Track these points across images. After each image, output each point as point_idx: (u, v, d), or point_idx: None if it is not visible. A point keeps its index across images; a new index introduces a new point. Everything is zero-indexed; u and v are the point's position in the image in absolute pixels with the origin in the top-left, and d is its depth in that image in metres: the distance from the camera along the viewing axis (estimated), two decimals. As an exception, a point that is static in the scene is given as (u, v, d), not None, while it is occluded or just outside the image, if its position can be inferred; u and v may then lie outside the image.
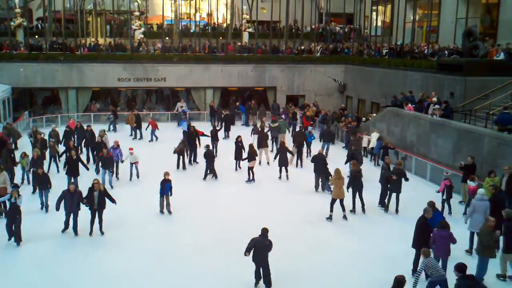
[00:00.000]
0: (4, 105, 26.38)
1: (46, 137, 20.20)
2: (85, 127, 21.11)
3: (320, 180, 16.89)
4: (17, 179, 17.25)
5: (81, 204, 12.90)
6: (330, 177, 15.63)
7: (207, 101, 30.93)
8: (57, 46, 30.11)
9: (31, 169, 16.46)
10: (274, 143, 22.75)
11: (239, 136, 19.23)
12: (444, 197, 14.86)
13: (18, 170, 17.35)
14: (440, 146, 18.85)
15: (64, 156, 18.15)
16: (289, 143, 20.91)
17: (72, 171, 16.06)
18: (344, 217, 14.45)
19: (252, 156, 18.20)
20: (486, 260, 10.58)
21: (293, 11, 34.78)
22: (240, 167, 19.35)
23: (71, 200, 12.67)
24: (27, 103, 31.61)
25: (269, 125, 23.18)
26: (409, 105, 21.65)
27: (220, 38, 34.30)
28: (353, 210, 15.05)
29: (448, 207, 14.83)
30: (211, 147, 19.27)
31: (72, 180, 15.47)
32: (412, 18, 27.88)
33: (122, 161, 17.98)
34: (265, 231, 10.29)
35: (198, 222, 14.18)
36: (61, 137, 20.79)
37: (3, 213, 13.50)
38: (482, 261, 10.58)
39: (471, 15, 23.82)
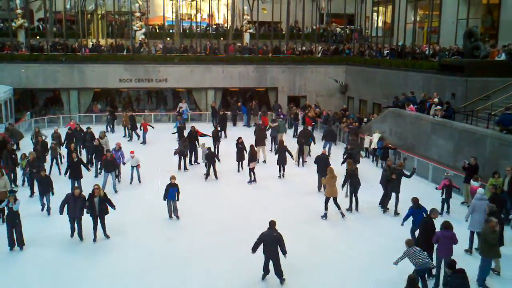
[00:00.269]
0: (6, 106, 26.41)
1: (49, 139, 20.03)
2: (84, 129, 20.89)
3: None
4: (19, 180, 17.36)
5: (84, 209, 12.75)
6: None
7: (208, 102, 30.97)
8: (60, 47, 30.15)
9: (27, 170, 16.37)
10: (273, 142, 22.88)
11: (239, 138, 19.20)
12: (444, 196, 14.95)
13: (19, 171, 17.38)
14: (441, 146, 18.86)
15: (66, 159, 18.01)
16: (289, 143, 20.85)
17: (75, 174, 15.89)
18: (342, 214, 14.59)
19: (252, 157, 18.23)
20: (490, 261, 10.61)
21: (294, 12, 34.81)
22: (242, 168, 19.35)
23: (74, 205, 12.51)
24: (29, 104, 31.62)
25: (269, 124, 23.41)
26: (411, 105, 21.67)
27: (221, 38, 34.35)
28: (349, 209, 15.18)
29: (447, 206, 14.89)
30: (212, 148, 19.24)
31: (76, 185, 15.26)
32: (413, 18, 27.90)
33: (124, 163, 17.86)
34: (272, 223, 10.58)
35: (200, 224, 14.13)
36: (63, 139, 20.63)
37: (2, 219, 13.41)
38: (485, 262, 10.59)
39: (472, 16, 23.86)
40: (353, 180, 15.12)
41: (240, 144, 19.09)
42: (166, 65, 30.33)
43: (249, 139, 20.59)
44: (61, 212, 12.71)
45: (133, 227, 13.81)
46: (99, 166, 18.31)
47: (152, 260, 11.82)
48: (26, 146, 21.07)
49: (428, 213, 11.29)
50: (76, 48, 30.21)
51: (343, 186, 15.26)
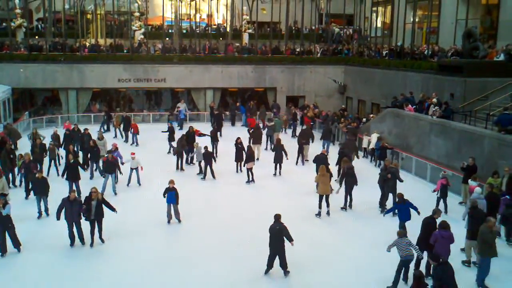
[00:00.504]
0: (5, 106, 26.40)
1: (46, 141, 19.61)
2: (82, 130, 20.68)
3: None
4: (17, 181, 17.31)
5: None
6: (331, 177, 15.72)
7: (207, 102, 30.97)
8: (59, 47, 30.12)
9: (22, 171, 16.26)
10: (269, 141, 22.87)
11: (238, 138, 19.17)
12: (438, 195, 14.97)
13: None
14: (440, 147, 18.86)
15: (64, 160, 17.87)
16: (287, 143, 20.84)
17: (72, 176, 15.71)
18: (327, 212, 14.73)
19: (250, 157, 18.23)
20: (489, 260, 10.58)
21: (293, 12, 34.83)
22: (241, 170, 19.22)
23: (70, 209, 12.11)
24: (28, 103, 31.62)
25: (266, 123, 23.51)
26: (409, 106, 21.68)
27: (220, 39, 34.34)
28: (344, 207, 15.29)
29: (444, 206, 14.86)
30: (209, 148, 19.24)
31: (74, 188, 15.15)
32: (412, 19, 27.88)
33: (122, 163, 17.68)
34: (277, 216, 10.84)
35: (200, 224, 14.11)
36: (61, 141, 20.39)
37: None
38: (485, 261, 10.58)
39: (471, 16, 23.86)
40: (348, 179, 15.24)
41: (239, 144, 19.07)
42: (165, 65, 30.30)
43: (248, 139, 20.62)
44: (58, 217, 12.32)
45: (133, 228, 13.74)
46: (94, 168, 18.26)
47: (152, 261, 11.79)
48: (24, 146, 20.98)
49: (431, 213, 11.25)
50: (76, 48, 30.17)
51: (340, 183, 15.50)
